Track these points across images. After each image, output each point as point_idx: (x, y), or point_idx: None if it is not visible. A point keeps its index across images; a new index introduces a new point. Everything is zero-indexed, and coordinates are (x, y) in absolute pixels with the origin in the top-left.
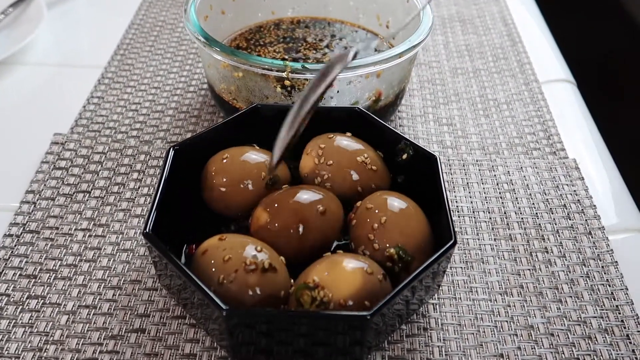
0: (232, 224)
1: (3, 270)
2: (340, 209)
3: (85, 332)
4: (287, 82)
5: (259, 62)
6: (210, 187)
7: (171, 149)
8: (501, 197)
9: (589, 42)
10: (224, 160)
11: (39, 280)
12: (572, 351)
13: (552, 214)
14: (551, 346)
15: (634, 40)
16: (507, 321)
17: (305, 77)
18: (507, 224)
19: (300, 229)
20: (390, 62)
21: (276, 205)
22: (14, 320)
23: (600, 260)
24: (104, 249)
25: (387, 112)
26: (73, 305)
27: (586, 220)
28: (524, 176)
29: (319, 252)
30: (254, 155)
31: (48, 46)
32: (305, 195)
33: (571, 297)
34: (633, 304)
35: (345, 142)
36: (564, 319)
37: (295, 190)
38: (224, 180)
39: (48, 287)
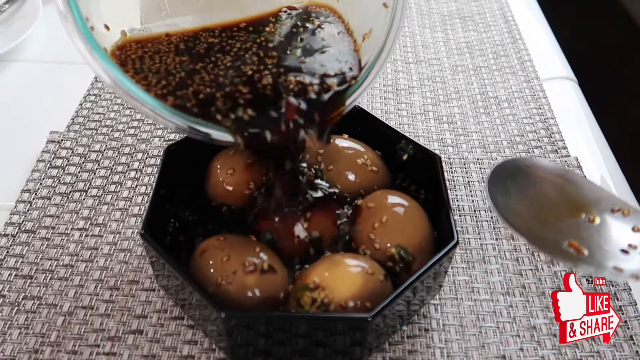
0: (233, 223)
1: None
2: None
3: (82, 333)
4: None
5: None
6: (215, 184)
7: (168, 147)
8: None
9: (589, 39)
10: (231, 157)
11: (35, 281)
12: (575, 352)
13: None
14: (554, 347)
15: (635, 39)
16: (509, 322)
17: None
18: None
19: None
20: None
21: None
22: (9, 322)
23: None
24: (101, 248)
25: None
26: (69, 306)
27: None
28: None
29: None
30: None
31: (44, 43)
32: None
33: None
34: (636, 304)
35: (344, 145)
36: None
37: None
38: (230, 176)
39: (44, 288)
